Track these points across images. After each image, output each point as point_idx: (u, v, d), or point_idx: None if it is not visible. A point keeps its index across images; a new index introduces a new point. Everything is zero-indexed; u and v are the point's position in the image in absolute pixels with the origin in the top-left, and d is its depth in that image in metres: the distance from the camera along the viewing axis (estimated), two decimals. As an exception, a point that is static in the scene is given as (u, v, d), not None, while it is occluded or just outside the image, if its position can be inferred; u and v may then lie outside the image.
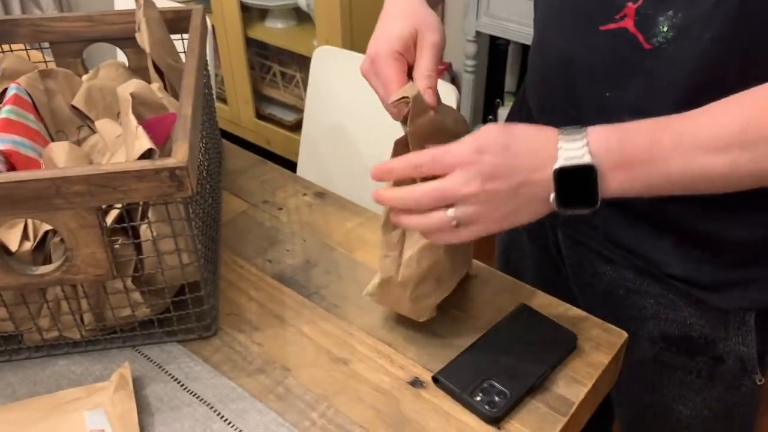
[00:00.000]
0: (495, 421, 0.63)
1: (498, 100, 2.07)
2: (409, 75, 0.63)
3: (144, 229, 0.65)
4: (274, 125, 2.19)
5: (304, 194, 0.93)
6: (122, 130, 0.72)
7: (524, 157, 0.55)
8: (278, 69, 2.18)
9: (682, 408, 0.80)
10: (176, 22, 0.87)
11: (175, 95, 0.81)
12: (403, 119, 0.60)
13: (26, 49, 0.93)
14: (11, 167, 0.72)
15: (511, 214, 0.56)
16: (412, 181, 0.59)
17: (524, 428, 0.63)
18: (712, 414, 0.79)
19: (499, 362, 0.67)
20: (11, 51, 0.89)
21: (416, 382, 0.67)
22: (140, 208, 0.66)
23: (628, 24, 0.61)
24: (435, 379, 0.67)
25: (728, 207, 0.67)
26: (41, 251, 0.67)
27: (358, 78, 0.99)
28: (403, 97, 0.59)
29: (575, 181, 0.54)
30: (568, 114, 0.70)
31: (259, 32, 2.08)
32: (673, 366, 0.78)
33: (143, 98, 0.72)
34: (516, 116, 0.87)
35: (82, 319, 0.69)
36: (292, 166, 1.14)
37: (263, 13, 2.11)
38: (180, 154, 0.60)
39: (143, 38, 0.80)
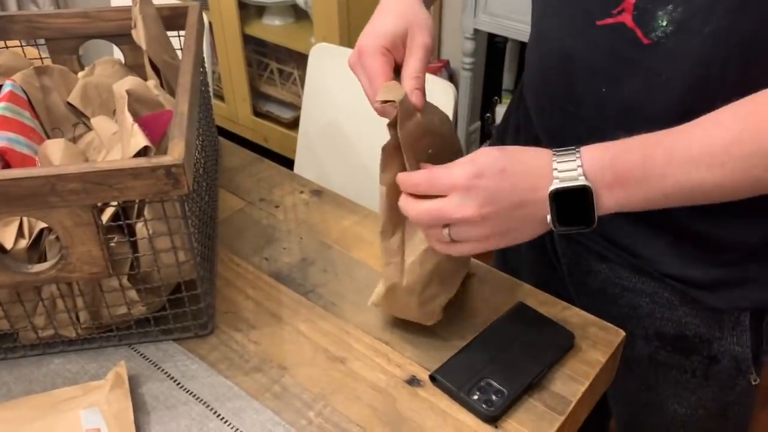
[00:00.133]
0: (492, 419, 0.63)
1: (496, 97, 2.07)
2: (398, 73, 0.63)
3: (140, 227, 0.64)
4: (272, 123, 2.19)
5: (301, 192, 0.93)
6: (118, 127, 0.72)
7: (520, 179, 0.55)
8: (275, 66, 2.18)
9: (677, 407, 0.80)
10: (173, 18, 0.86)
11: (172, 92, 0.81)
12: (391, 123, 0.59)
13: (22, 46, 0.93)
14: (6, 165, 0.71)
15: (507, 234, 0.57)
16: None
17: (522, 427, 0.63)
18: (706, 413, 0.79)
19: (497, 361, 0.67)
20: (6, 47, 0.89)
21: (413, 381, 0.67)
22: (136, 205, 0.65)
23: (626, 19, 0.61)
24: (432, 378, 0.67)
25: (724, 207, 0.67)
26: (36, 249, 0.67)
27: (355, 77, 0.99)
28: (390, 101, 0.58)
29: (571, 202, 0.55)
30: (567, 110, 0.70)
31: (257, 29, 2.07)
32: (668, 365, 0.78)
33: (139, 95, 0.71)
34: (513, 114, 0.87)
35: (77, 318, 0.69)
36: (289, 163, 1.14)
37: (260, 10, 2.11)
38: (176, 152, 0.59)
39: (139, 35, 0.80)
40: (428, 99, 0.62)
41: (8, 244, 0.65)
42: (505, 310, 0.73)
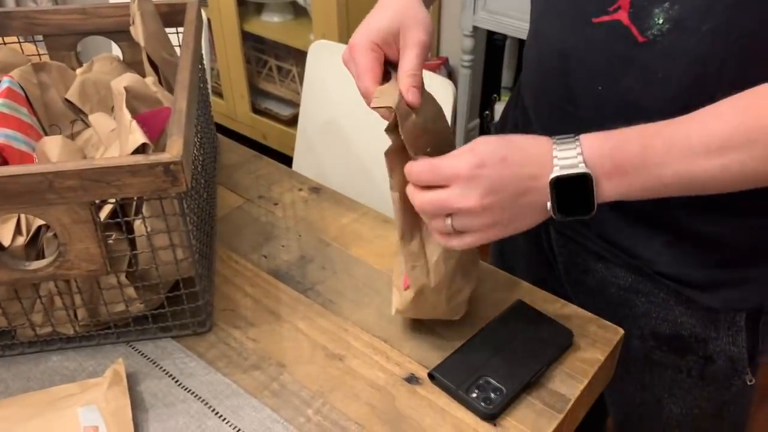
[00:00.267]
0: (491, 417, 0.63)
1: (495, 95, 2.06)
2: (395, 70, 0.62)
3: (138, 225, 0.64)
4: (270, 120, 2.18)
5: (300, 189, 0.93)
6: (116, 124, 0.72)
7: (521, 167, 0.55)
8: (274, 63, 2.17)
9: (672, 407, 0.80)
10: (171, 15, 0.86)
11: (170, 89, 0.80)
12: (388, 128, 0.59)
13: (19, 42, 0.92)
14: (4, 161, 0.71)
15: (509, 222, 0.57)
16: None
17: (520, 425, 0.63)
18: (702, 413, 0.80)
19: (495, 359, 0.67)
20: (4, 44, 0.88)
21: (412, 379, 0.67)
22: (134, 203, 0.65)
23: (622, 16, 0.61)
24: (431, 376, 0.66)
25: (721, 208, 0.67)
26: (34, 246, 0.67)
27: (354, 74, 0.98)
28: (386, 107, 0.58)
29: (571, 189, 0.55)
30: (565, 109, 0.70)
31: (256, 26, 2.07)
32: (664, 365, 0.78)
33: (137, 92, 0.71)
34: (512, 112, 0.87)
35: (75, 315, 0.69)
36: (288, 160, 1.14)
37: (259, 7, 2.10)
38: (174, 149, 0.59)
39: (138, 32, 0.80)
40: None
41: (6, 241, 0.65)
42: (503, 308, 0.73)
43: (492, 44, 1.99)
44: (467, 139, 2.07)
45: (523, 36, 0.79)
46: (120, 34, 0.87)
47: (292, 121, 2.12)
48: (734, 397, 0.78)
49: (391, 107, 0.57)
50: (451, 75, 2.09)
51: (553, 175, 0.54)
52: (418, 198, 0.58)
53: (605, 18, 0.62)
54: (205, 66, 0.98)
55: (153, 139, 0.66)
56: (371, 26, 0.63)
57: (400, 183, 0.62)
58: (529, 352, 0.68)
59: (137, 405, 0.64)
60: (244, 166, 0.97)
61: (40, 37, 0.89)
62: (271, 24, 2.07)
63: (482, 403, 0.63)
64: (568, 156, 0.54)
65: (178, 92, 0.67)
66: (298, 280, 0.78)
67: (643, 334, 0.77)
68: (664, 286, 0.73)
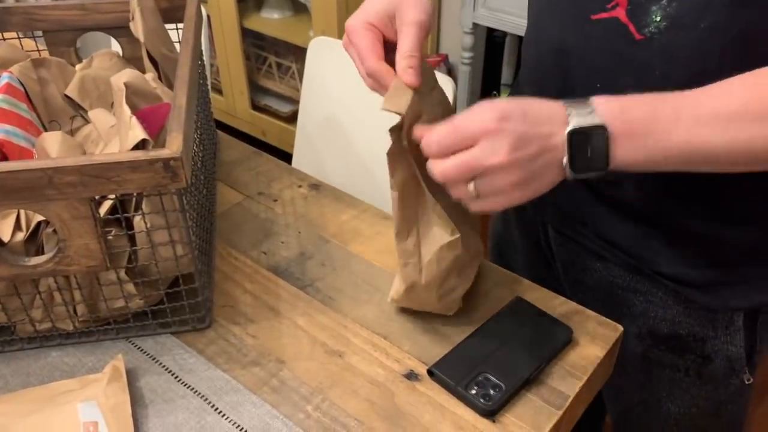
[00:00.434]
0: (490, 414, 0.63)
1: (494, 92, 2.06)
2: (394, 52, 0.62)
3: (138, 221, 0.64)
4: (270, 116, 2.18)
5: (299, 186, 0.93)
6: (116, 120, 0.72)
7: (540, 125, 0.54)
8: (274, 60, 2.17)
9: (670, 405, 0.80)
10: (171, 11, 0.86)
11: (170, 85, 0.80)
12: (392, 128, 0.59)
13: (19, 38, 0.92)
14: (4, 157, 0.71)
15: (531, 182, 0.55)
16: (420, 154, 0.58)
17: (519, 421, 0.63)
18: (700, 412, 0.80)
19: (494, 355, 0.67)
20: (4, 39, 0.88)
21: (411, 375, 0.67)
22: (134, 199, 0.65)
23: (620, 13, 0.61)
24: (430, 372, 0.67)
25: (719, 207, 0.67)
26: (34, 242, 0.67)
27: (354, 69, 0.98)
28: (395, 112, 0.58)
29: (587, 144, 0.54)
30: None
31: (255, 22, 2.06)
32: (662, 364, 0.78)
33: (137, 88, 0.71)
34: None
35: (75, 311, 0.69)
36: (287, 157, 1.13)
37: (259, 3, 2.10)
38: (174, 145, 0.59)
39: (137, 27, 0.80)
40: None
41: (5, 237, 0.65)
42: (503, 304, 0.73)
43: (492, 41, 1.99)
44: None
45: (523, 33, 0.79)
46: (120, 30, 0.87)
47: (292, 118, 2.12)
48: (732, 397, 0.78)
49: (401, 113, 0.57)
50: (450, 72, 2.09)
51: (569, 128, 0.53)
52: (440, 166, 0.55)
53: (604, 15, 0.62)
54: (205, 62, 0.97)
55: (153, 135, 0.66)
56: (367, 9, 0.62)
57: (401, 183, 0.63)
58: (528, 348, 0.68)
59: (137, 401, 0.65)
60: (244, 163, 0.97)
61: (40, 33, 0.88)
62: (270, 20, 2.07)
63: (481, 400, 0.63)
64: (582, 112, 0.54)
65: (177, 88, 0.67)
66: (297, 276, 0.78)
67: (641, 333, 0.77)
68: (662, 285, 0.74)
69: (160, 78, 0.81)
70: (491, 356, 0.67)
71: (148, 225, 0.64)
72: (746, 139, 0.52)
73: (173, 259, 0.67)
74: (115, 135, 0.71)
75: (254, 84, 2.20)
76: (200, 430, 0.62)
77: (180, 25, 0.85)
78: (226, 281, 0.78)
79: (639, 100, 0.54)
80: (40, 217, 0.66)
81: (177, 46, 0.84)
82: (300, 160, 1.26)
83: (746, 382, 0.76)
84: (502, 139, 0.53)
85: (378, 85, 0.62)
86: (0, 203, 0.59)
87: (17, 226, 0.66)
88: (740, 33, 0.56)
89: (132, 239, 0.65)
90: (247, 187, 0.92)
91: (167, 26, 0.85)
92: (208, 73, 1.09)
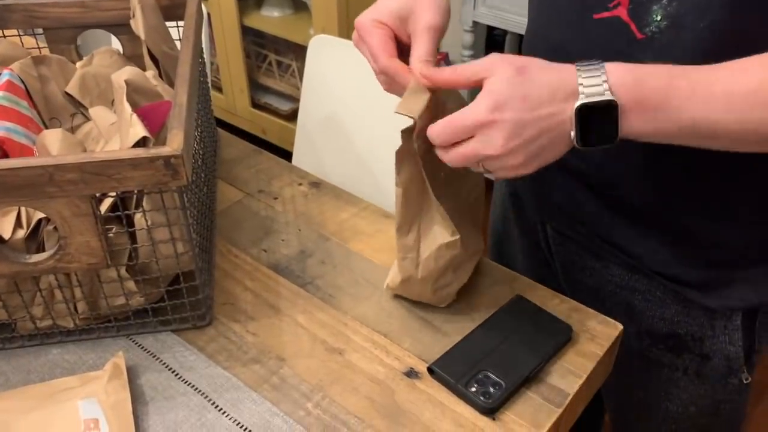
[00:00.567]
0: (490, 411, 0.63)
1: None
2: (406, 54, 0.62)
3: (138, 218, 0.64)
4: (270, 114, 2.18)
5: (300, 184, 0.93)
6: (116, 117, 0.72)
7: (541, 105, 0.53)
8: (274, 58, 2.17)
9: (668, 404, 0.81)
10: (171, 9, 0.86)
11: (170, 83, 0.80)
12: (405, 130, 0.60)
13: (19, 35, 0.92)
14: (4, 154, 0.71)
15: (535, 158, 0.56)
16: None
17: (519, 419, 0.63)
18: (698, 411, 0.80)
19: (495, 353, 0.67)
20: (4, 37, 0.88)
21: (411, 373, 0.67)
22: (135, 196, 0.65)
23: (622, 12, 0.60)
24: (430, 370, 0.67)
25: (718, 207, 0.67)
26: (34, 239, 0.67)
27: (354, 67, 0.99)
28: (408, 115, 0.58)
29: (596, 118, 0.53)
30: None
31: (255, 20, 2.06)
32: (661, 363, 0.78)
33: (138, 86, 0.71)
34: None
35: (75, 308, 0.69)
36: (287, 155, 1.13)
37: (259, 1, 2.10)
38: (175, 143, 0.59)
39: (138, 25, 0.80)
40: None
41: (6, 234, 0.65)
42: (503, 303, 0.73)
43: (492, 39, 1.99)
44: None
45: (523, 31, 0.79)
46: (120, 27, 0.87)
47: (292, 116, 2.12)
48: (730, 396, 0.78)
49: (413, 117, 0.57)
50: (450, 70, 2.09)
51: (578, 103, 0.53)
52: (446, 156, 0.57)
53: (605, 14, 0.62)
54: (205, 60, 0.97)
55: (153, 133, 0.66)
56: (380, 7, 0.62)
57: (406, 180, 0.64)
58: (528, 346, 0.68)
59: (137, 398, 0.65)
60: (244, 161, 0.97)
61: (40, 30, 0.88)
62: (270, 18, 2.07)
63: (481, 398, 0.63)
64: (593, 84, 0.53)
65: (178, 86, 0.67)
66: (297, 274, 0.79)
67: (639, 333, 0.77)
68: (660, 284, 0.74)
69: (160, 75, 0.81)
70: (491, 354, 0.67)
71: (149, 222, 0.64)
72: (758, 121, 0.52)
73: (174, 256, 0.67)
74: (115, 132, 0.71)
75: (254, 82, 2.20)
76: (200, 428, 0.62)
77: (180, 23, 0.85)
78: (227, 279, 0.78)
79: (654, 73, 0.53)
80: (40, 215, 0.66)
81: (177, 43, 0.84)
82: (300, 159, 1.26)
83: (744, 382, 0.76)
84: (496, 131, 0.53)
85: (390, 84, 0.61)
86: (1, 200, 0.59)
87: (18, 224, 0.66)
88: (740, 32, 0.56)
89: (133, 237, 0.65)
90: (247, 185, 0.93)
91: (168, 24, 0.85)
92: (208, 71, 1.09)
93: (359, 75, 1.15)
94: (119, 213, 0.63)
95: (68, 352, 0.70)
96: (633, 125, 0.54)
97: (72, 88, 0.83)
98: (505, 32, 1.94)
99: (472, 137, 0.55)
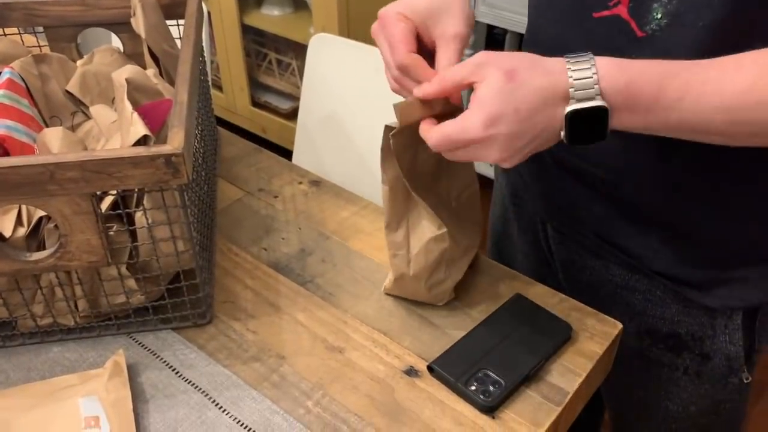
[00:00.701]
0: (489, 410, 0.63)
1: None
2: (426, 56, 0.62)
3: (139, 216, 0.64)
4: (270, 113, 2.18)
5: (300, 182, 0.93)
6: (117, 116, 0.72)
7: (535, 114, 0.54)
8: (274, 56, 2.17)
9: (668, 404, 0.81)
10: (172, 7, 0.86)
11: (171, 81, 0.80)
12: (395, 133, 0.61)
13: (20, 34, 0.92)
14: (5, 152, 0.71)
15: (526, 153, 0.57)
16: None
17: (518, 417, 0.63)
18: (698, 410, 0.80)
19: (494, 352, 0.67)
20: (5, 35, 0.88)
21: (411, 371, 0.67)
22: (135, 194, 0.65)
23: (622, 11, 0.60)
24: (430, 368, 0.67)
25: (718, 206, 0.67)
26: (35, 237, 0.67)
27: (354, 66, 0.99)
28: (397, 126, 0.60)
29: (586, 121, 0.54)
30: None
31: (256, 19, 2.06)
32: (661, 362, 0.78)
33: (139, 84, 0.71)
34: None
35: (76, 306, 0.69)
36: (287, 154, 1.13)
37: (259, 0, 2.10)
38: (176, 141, 0.59)
39: (138, 23, 0.80)
40: None
41: (7, 232, 0.65)
42: (503, 301, 0.74)
43: (492, 38, 1.99)
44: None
45: (523, 30, 0.79)
46: (121, 25, 0.87)
47: (292, 115, 2.12)
48: (730, 395, 0.78)
49: (401, 125, 0.59)
50: (450, 69, 2.09)
51: (570, 108, 0.53)
52: (448, 156, 0.58)
53: (605, 13, 0.62)
54: (206, 59, 0.98)
55: (154, 131, 0.66)
56: (407, 2, 0.62)
57: (392, 178, 0.65)
58: (527, 345, 0.68)
59: (138, 396, 0.65)
60: (245, 159, 0.97)
61: (41, 29, 0.88)
62: (271, 17, 2.07)
63: (481, 396, 0.63)
64: (584, 86, 0.53)
65: (179, 84, 0.67)
66: (297, 272, 0.79)
67: (639, 332, 0.77)
68: (660, 284, 0.74)
69: (161, 74, 0.81)
70: (491, 353, 0.67)
71: (150, 221, 0.64)
72: (748, 120, 0.52)
73: (174, 254, 0.67)
74: (116, 131, 0.71)
75: (254, 81, 2.20)
76: (201, 425, 0.62)
77: (181, 22, 0.85)
78: (227, 277, 0.78)
79: (646, 73, 0.53)
80: (41, 213, 0.66)
81: (178, 42, 0.84)
82: (300, 157, 1.26)
83: (745, 381, 0.76)
84: (491, 145, 0.54)
85: (401, 81, 0.61)
86: (1, 199, 0.59)
87: (18, 222, 0.66)
88: (740, 30, 0.56)
89: (133, 235, 0.66)
90: (247, 184, 0.93)
91: (168, 22, 0.85)
92: (208, 69, 1.09)
93: (359, 74, 1.15)
94: (120, 211, 0.63)
95: (69, 350, 0.70)
96: (623, 122, 0.55)
97: (72, 86, 0.83)
98: (505, 31, 1.93)
99: (468, 147, 0.56)
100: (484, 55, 0.55)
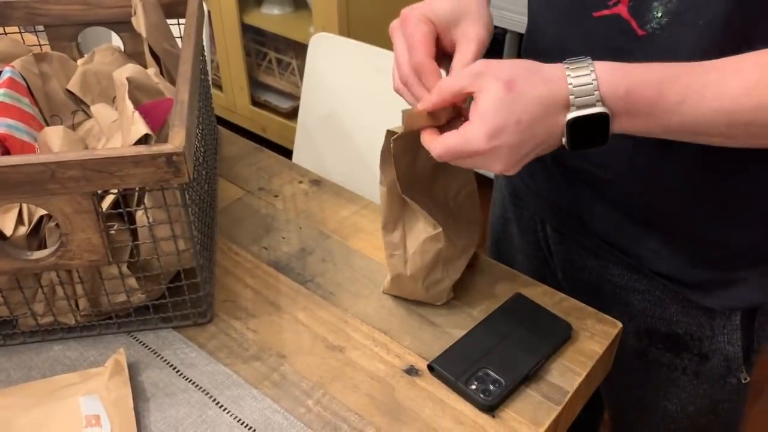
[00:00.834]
0: (489, 409, 0.63)
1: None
2: (442, 58, 0.63)
3: (140, 215, 0.64)
4: (270, 112, 2.18)
5: (300, 182, 0.93)
6: (118, 115, 0.72)
7: (536, 124, 0.54)
8: (274, 56, 2.17)
9: (667, 404, 0.81)
10: (172, 6, 0.86)
11: (172, 81, 0.80)
12: (397, 137, 0.61)
13: (20, 32, 0.92)
14: (6, 151, 0.71)
15: (531, 158, 0.57)
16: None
17: (518, 417, 0.63)
18: (697, 410, 0.80)
19: (494, 351, 0.67)
20: (5, 34, 0.88)
21: (411, 370, 0.67)
22: (136, 193, 0.65)
23: (622, 10, 0.61)
24: (430, 368, 0.67)
25: (717, 207, 0.67)
26: (36, 236, 0.67)
27: (354, 65, 0.99)
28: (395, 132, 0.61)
29: (587, 128, 0.54)
30: None
31: (256, 18, 2.06)
32: (659, 362, 0.78)
33: (140, 83, 0.71)
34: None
35: (77, 305, 0.69)
36: (287, 153, 1.14)
37: (259, -1, 2.10)
38: (177, 140, 0.59)
39: (139, 23, 0.80)
40: None
41: (8, 231, 0.65)
42: (503, 301, 0.74)
43: (492, 38, 1.99)
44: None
45: (523, 30, 0.79)
46: (121, 24, 0.87)
47: (292, 114, 2.12)
48: (729, 395, 0.78)
49: (404, 132, 0.60)
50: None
51: (570, 116, 0.54)
52: (452, 164, 0.58)
53: (605, 12, 0.62)
54: (206, 58, 0.98)
55: (155, 130, 0.66)
56: (432, 5, 0.62)
57: (390, 181, 0.66)
58: (528, 344, 0.68)
59: (138, 394, 0.65)
60: (245, 159, 0.97)
61: (42, 28, 0.88)
62: (271, 16, 2.07)
63: (481, 395, 0.63)
64: (584, 93, 0.53)
65: (180, 84, 0.67)
66: (298, 271, 0.79)
67: (638, 332, 0.78)
68: (660, 284, 0.74)
69: (161, 73, 0.81)
70: (491, 352, 0.67)
71: (150, 220, 0.64)
72: (747, 123, 0.52)
73: (175, 253, 0.67)
74: (117, 130, 0.71)
75: (254, 80, 2.20)
76: (201, 424, 0.63)
77: (181, 21, 0.85)
78: (227, 276, 0.78)
79: (647, 79, 0.53)
80: (42, 212, 0.66)
81: (178, 41, 0.84)
82: (300, 157, 1.26)
83: (743, 381, 0.77)
84: (495, 156, 0.55)
85: (407, 85, 0.61)
86: (2, 197, 0.59)
87: (19, 220, 0.66)
88: (740, 29, 0.56)
89: (134, 234, 0.66)
90: (247, 183, 0.93)
91: (168, 21, 0.85)
92: (208, 68, 1.09)
93: (360, 73, 1.15)
94: (121, 210, 0.63)
95: (69, 349, 0.70)
96: (623, 126, 0.55)
97: (73, 85, 0.83)
98: (505, 31, 1.94)
99: (471, 157, 0.56)
100: (482, 65, 0.55)
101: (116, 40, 0.92)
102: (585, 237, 0.77)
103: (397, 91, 0.64)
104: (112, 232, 0.64)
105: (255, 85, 2.21)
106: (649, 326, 0.76)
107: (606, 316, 0.73)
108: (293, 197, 0.90)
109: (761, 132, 0.53)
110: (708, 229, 0.69)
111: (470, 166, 0.58)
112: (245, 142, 1.01)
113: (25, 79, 0.80)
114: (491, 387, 0.64)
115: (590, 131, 0.54)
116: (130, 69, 0.71)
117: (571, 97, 0.53)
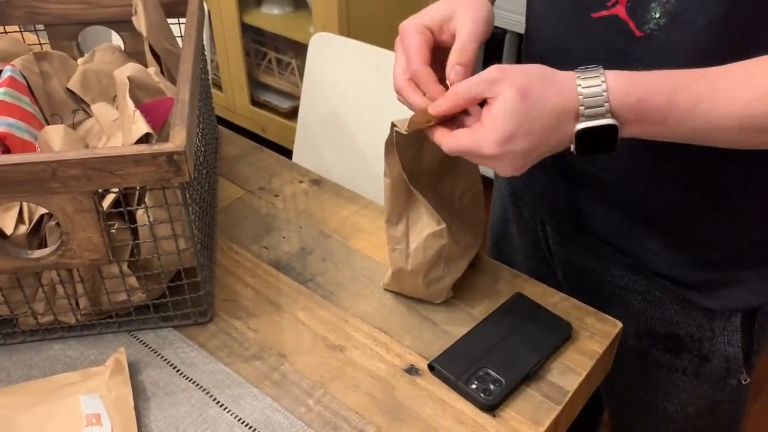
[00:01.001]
0: (490, 408, 0.63)
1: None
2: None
3: (141, 214, 0.64)
4: (269, 112, 2.18)
5: (301, 181, 0.93)
6: (119, 114, 0.72)
7: (549, 129, 0.55)
8: (274, 56, 2.17)
9: (667, 404, 0.81)
10: (173, 6, 0.86)
11: (172, 80, 0.81)
12: (396, 126, 0.61)
13: (21, 31, 0.92)
14: (6, 150, 0.71)
15: (538, 160, 0.58)
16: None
17: (519, 416, 0.63)
18: (696, 411, 0.80)
19: (495, 350, 0.67)
20: (6, 33, 0.88)
21: (412, 370, 0.67)
22: (137, 192, 0.65)
23: (620, 11, 0.61)
24: (431, 367, 0.67)
25: (718, 208, 0.67)
26: (37, 235, 0.67)
27: (354, 65, 0.99)
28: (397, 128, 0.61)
29: (596, 137, 0.55)
30: None
31: (255, 18, 2.06)
32: (659, 363, 0.78)
33: (140, 82, 0.71)
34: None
35: (77, 304, 0.69)
36: (287, 153, 1.14)
37: (259, -1, 2.10)
38: (178, 139, 0.59)
39: (140, 22, 0.80)
40: None
41: (8, 230, 0.65)
42: (503, 300, 0.74)
43: (491, 38, 1.98)
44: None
45: (523, 31, 0.79)
46: (122, 24, 0.87)
47: (292, 114, 2.12)
48: (729, 396, 0.78)
49: (407, 131, 0.60)
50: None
51: (580, 126, 0.54)
52: (466, 157, 0.59)
53: (604, 13, 0.62)
54: (206, 57, 0.98)
55: (156, 129, 0.66)
56: (426, 12, 0.63)
57: (395, 173, 0.66)
58: (528, 344, 0.68)
59: (138, 393, 0.65)
60: (245, 158, 0.97)
61: (42, 27, 0.88)
62: (270, 16, 2.07)
63: (481, 395, 0.63)
64: (594, 104, 0.53)
65: (180, 83, 0.67)
66: (298, 271, 0.79)
67: (638, 333, 0.78)
68: (660, 285, 0.74)
69: (162, 72, 0.81)
70: (491, 351, 0.67)
71: (151, 219, 0.64)
72: (757, 128, 0.53)
73: (175, 252, 0.67)
74: (117, 129, 0.71)
75: (254, 80, 2.20)
76: (202, 423, 0.63)
77: (182, 20, 0.85)
78: (228, 276, 0.78)
79: (658, 89, 0.54)
80: (43, 210, 0.66)
81: (179, 40, 0.84)
82: (300, 156, 1.26)
83: (743, 382, 0.77)
84: (504, 161, 0.56)
85: (404, 95, 0.62)
86: (3, 196, 0.59)
87: (20, 219, 0.66)
88: (739, 30, 0.57)
89: (135, 233, 0.66)
90: (248, 182, 0.93)
91: (169, 21, 0.85)
92: (208, 68, 1.09)
93: (359, 73, 1.16)
94: (121, 209, 0.63)
95: (70, 348, 0.70)
96: (633, 133, 0.56)
97: (74, 84, 0.83)
98: (504, 31, 1.94)
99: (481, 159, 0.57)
100: (496, 71, 0.56)
101: (116, 39, 0.92)
102: (585, 237, 0.78)
103: (399, 101, 0.65)
104: (113, 231, 0.64)
105: (255, 84, 2.21)
106: (649, 327, 0.77)
107: (606, 315, 0.73)
108: (293, 197, 0.90)
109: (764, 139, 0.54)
110: (709, 230, 0.69)
111: (478, 163, 0.59)
112: (245, 142, 1.01)
113: (25, 78, 0.80)
114: (491, 386, 0.64)
115: (599, 140, 0.55)
116: (131, 68, 0.71)
117: (581, 107, 0.54)
